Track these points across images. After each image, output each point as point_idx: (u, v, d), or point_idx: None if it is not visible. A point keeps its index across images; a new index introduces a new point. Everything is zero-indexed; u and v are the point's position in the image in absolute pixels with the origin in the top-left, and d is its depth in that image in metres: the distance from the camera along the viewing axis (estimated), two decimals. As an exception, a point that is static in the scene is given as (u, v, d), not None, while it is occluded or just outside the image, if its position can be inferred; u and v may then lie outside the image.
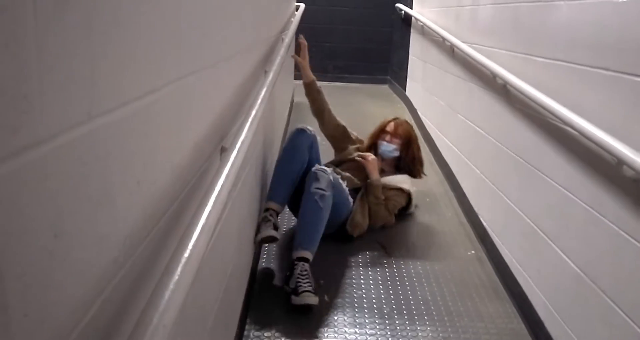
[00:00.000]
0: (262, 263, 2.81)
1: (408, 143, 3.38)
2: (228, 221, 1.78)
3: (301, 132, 3.06)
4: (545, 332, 2.15)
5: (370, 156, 3.25)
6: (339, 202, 2.92)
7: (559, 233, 2.14)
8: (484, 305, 2.53)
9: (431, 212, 3.55)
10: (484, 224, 3.09)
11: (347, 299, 2.53)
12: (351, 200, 3.10)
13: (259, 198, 2.87)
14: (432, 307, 2.49)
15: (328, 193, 2.75)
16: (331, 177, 2.83)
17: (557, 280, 2.11)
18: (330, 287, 2.62)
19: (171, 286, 0.87)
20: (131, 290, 0.90)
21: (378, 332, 2.29)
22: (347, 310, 2.45)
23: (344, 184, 3.04)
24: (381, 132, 3.44)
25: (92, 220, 0.77)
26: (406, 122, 3.51)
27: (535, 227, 2.34)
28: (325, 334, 2.27)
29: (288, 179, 2.92)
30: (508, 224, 2.73)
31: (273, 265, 2.80)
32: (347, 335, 2.27)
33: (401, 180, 3.31)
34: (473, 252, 3.05)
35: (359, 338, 2.25)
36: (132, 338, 0.76)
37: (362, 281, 2.70)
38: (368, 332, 2.29)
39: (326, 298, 2.52)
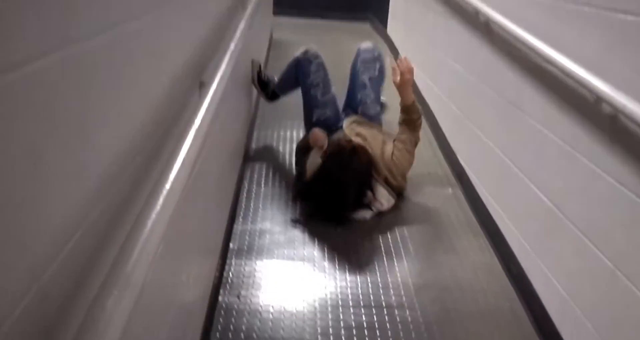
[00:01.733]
0: (243, 199, 2.84)
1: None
2: (209, 156, 1.78)
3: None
4: (518, 264, 2.22)
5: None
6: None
7: (534, 170, 2.18)
8: (459, 241, 2.60)
9: (410, 150, 3.57)
10: (462, 162, 3.13)
11: (324, 234, 2.57)
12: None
13: (239, 132, 2.86)
14: (409, 243, 2.55)
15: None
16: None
17: (531, 216, 2.17)
18: (310, 224, 2.66)
19: (153, 216, 0.88)
20: (113, 222, 0.90)
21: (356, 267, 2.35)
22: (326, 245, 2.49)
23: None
24: None
25: (71, 150, 0.76)
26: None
27: (512, 164, 2.37)
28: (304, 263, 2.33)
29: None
30: (485, 162, 2.76)
31: (253, 202, 2.82)
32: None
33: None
34: (450, 190, 3.10)
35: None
36: (114, 267, 0.77)
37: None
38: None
39: (307, 233, 2.56)
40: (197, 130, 1.21)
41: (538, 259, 2.07)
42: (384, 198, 2.75)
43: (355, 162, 2.62)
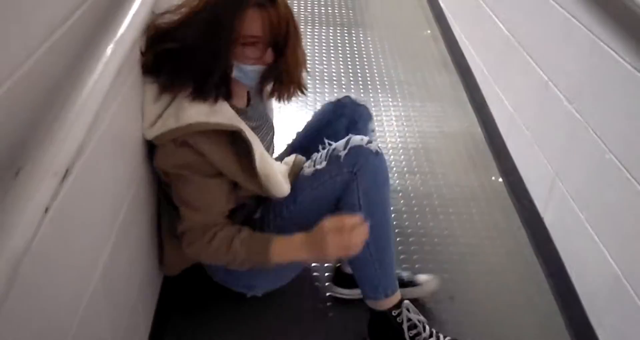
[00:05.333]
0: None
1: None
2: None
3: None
4: (480, 93, 2.42)
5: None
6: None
7: (497, 3, 2.31)
8: (431, 77, 2.76)
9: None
10: (441, 4, 3.20)
11: (308, 71, 2.72)
12: None
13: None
14: (385, 78, 2.73)
15: None
16: None
17: (492, 48, 2.33)
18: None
19: (108, 53, 1.04)
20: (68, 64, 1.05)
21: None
22: (309, 81, 2.64)
23: None
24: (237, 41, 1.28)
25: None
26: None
27: (481, 2, 2.47)
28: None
29: None
30: (461, 2, 2.85)
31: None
32: (307, 99, 2.51)
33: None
34: (429, 31, 3.21)
35: (318, 101, 2.52)
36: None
37: (324, 57, 2.91)
38: (326, 99, 2.46)
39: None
40: None
41: (494, 83, 2.25)
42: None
43: None
